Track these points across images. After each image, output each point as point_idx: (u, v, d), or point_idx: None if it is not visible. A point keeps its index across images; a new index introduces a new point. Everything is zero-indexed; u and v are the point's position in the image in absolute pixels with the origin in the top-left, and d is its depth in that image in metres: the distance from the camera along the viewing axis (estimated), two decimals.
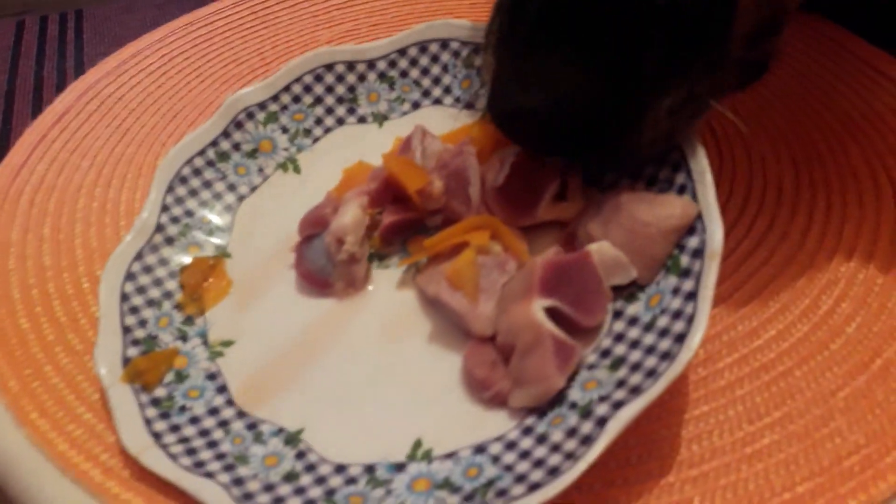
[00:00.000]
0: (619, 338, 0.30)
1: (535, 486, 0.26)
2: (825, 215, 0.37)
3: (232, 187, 0.41)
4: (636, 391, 0.27)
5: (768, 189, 0.39)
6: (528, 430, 0.29)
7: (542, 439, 0.28)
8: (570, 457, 0.26)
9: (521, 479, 0.27)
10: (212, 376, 0.33)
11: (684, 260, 0.30)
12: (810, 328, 0.33)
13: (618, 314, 0.31)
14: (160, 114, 0.49)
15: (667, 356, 0.27)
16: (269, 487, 0.28)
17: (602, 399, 0.28)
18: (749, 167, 0.40)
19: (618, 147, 0.30)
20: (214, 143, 0.42)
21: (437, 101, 0.44)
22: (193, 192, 0.40)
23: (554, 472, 0.26)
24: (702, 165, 0.31)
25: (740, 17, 0.29)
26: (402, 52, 0.45)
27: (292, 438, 0.30)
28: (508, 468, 0.27)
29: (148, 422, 0.31)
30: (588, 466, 0.25)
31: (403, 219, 0.37)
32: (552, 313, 0.30)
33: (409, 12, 0.56)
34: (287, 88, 0.44)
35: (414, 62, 0.45)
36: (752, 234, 0.37)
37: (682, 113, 0.30)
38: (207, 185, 0.41)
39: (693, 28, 0.28)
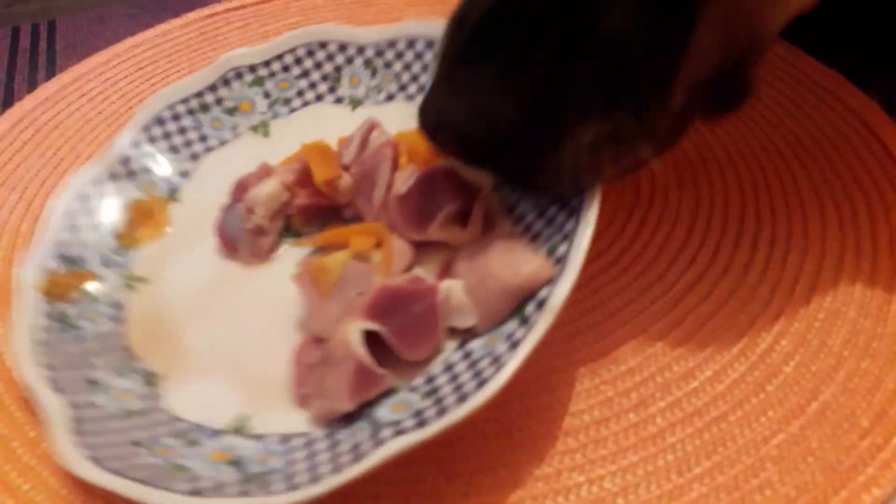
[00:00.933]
0: (448, 368, 0.30)
1: (294, 487, 0.26)
2: (769, 246, 0.36)
3: (203, 138, 0.43)
4: (421, 425, 0.26)
5: (713, 218, 0.38)
6: (329, 434, 0.29)
7: (333, 445, 0.28)
8: (337, 469, 0.26)
9: (288, 478, 0.27)
10: (116, 305, 0.35)
11: (529, 308, 0.29)
12: (748, 368, 0.31)
13: (462, 345, 0.31)
14: (97, 142, 0.47)
15: (463, 399, 0.27)
16: (105, 418, 0.30)
17: (393, 424, 0.28)
18: (696, 195, 0.39)
19: (534, 163, 0.29)
20: (199, 95, 0.44)
21: (411, 98, 0.44)
22: (167, 135, 0.42)
23: (315, 480, 0.26)
24: (589, 217, 0.29)
25: (693, 64, 0.28)
26: (391, 43, 0.45)
27: (149, 379, 0.32)
28: (291, 463, 0.28)
29: (36, 329, 0.32)
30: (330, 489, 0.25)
31: (314, 203, 0.38)
32: (378, 338, 0.30)
33: None
34: (280, 57, 0.46)
35: (399, 55, 0.45)
36: (694, 268, 0.36)
37: (605, 151, 0.28)
38: (182, 131, 0.43)
39: (630, 67, 0.27)
